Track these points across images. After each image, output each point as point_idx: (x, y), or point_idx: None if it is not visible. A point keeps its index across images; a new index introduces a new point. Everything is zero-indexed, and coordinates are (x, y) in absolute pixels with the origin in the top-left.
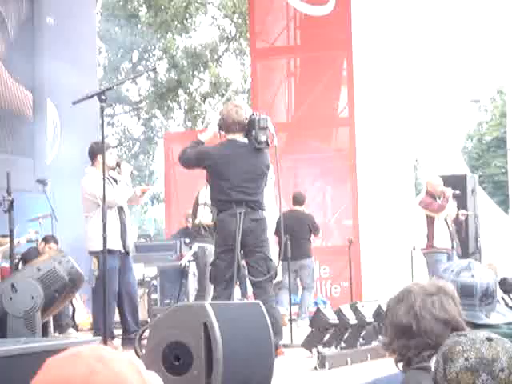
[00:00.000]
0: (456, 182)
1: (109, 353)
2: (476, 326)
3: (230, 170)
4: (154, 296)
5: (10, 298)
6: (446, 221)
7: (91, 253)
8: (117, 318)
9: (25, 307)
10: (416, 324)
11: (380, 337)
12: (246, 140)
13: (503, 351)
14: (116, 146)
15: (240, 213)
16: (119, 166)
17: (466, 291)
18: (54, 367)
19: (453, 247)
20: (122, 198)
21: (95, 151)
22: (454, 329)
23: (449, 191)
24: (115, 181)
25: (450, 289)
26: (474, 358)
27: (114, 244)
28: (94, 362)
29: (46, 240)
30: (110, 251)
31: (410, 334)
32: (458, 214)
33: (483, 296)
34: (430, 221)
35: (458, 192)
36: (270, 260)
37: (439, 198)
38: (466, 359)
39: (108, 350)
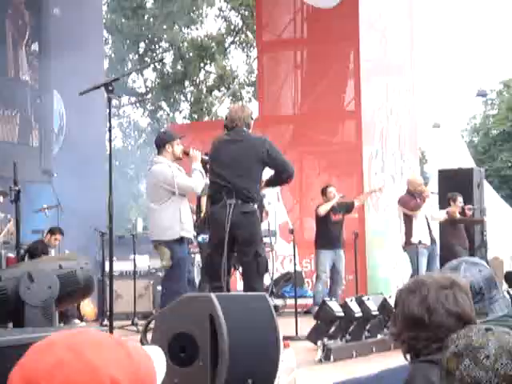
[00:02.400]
0: (462, 176)
1: (86, 339)
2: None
3: (221, 162)
4: (159, 287)
5: (28, 288)
6: (425, 217)
7: (165, 242)
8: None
9: (42, 297)
10: (428, 316)
11: (385, 329)
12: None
13: (494, 340)
14: (182, 137)
15: (230, 204)
16: (188, 155)
17: None
18: (28, 358)
19: (433, 243)
20: (200, 186)
21: (164, 140)
22: (467, 323)
23: (427, 191)
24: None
25: (464, 283)
26: (463, 344)
27: (189, 232)
28: (64, 351)
29: (52, 232)
30: (185, 239)
31: (421, 325)
32: (464, 209)
33: None
34: (408, 219)
35: (435, 192)
36: (260, 256)
37: (418, 197)
38: (456, 346)
39: (88, 336)
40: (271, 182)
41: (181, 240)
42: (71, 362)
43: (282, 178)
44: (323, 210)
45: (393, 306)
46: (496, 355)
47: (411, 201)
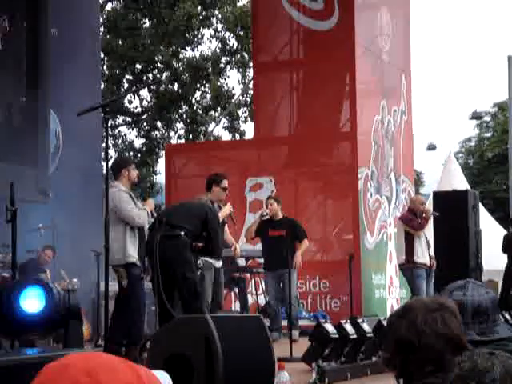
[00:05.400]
0: (457, 198)
1: (101, 363)
2: (476, 344)
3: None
4: (153, 307)
5: None
6: (426, 238)
7: (117, 265)
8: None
9: None
10: (417, 340)
11: (380, 352)
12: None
13: (499, 364)
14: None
15: (158, 230)
16: (135, 185)
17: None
18: (43, 379)
19: (431, 264)
20: (141, 222)
21: (120, 166)
22: (456, 345)
23: (429, 211)
24: (134, 200)
25: (452, 305)
26: (468, 367)
27: (134, 257)
28: (81, 375)
29: (43, 249)
30: (136, 264)
31: (412, 349)
32: None
33: (475, 314)
34: (410, 237)
35: (437, 214)
36: (187, 278)
37: (420, 217)
38: (461, 369)
39: (102, 360)
40: (202, 250)
41: (134, 265)
42: None
43: (211, 247)
44: (248, 235)
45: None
46: (502, 379)
47: (415, 220)
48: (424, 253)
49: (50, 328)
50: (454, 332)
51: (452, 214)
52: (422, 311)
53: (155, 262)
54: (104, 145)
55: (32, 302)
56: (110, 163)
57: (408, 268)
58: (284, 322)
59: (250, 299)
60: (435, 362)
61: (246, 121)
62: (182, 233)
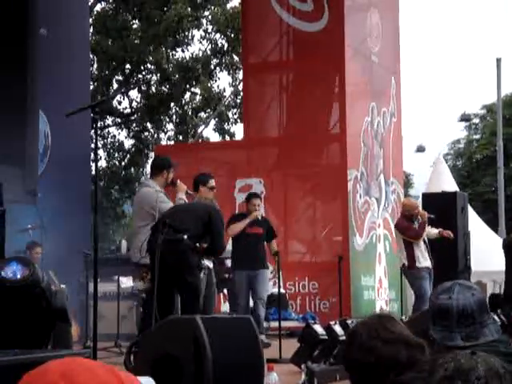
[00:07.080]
0: (446, 200)
1: (79, 367)
2: (462, 350)
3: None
4: None
5: None
6: (424, 240)
7: (141, 265)
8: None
9: None
10: (372, 357)
11: None
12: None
13: (482, 362)
14: (177, 165)
15: (162, 232)
16: (175, 185)
17: (441, 312)
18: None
19: (432, 266)
20: None
21: (165, 166)
22: (407, 344)
23: (425, 215)
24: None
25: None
26: (452, 368)
27: None
28: (57, 378)
29: (29, 247)
30: None
31: (370, 367)
32: None
33: (460, 317)
34: (409, 243)
35: (432, 216)
36: (189, 283)
37: (416, 220)
38: (446, 369)
39: (80, 363)
40: (206, 251)
41: None
42: None
43: (213, 247)
44: (233, 230)
45: None
46: (487, 377)
47: (410, 228)
48: (424, 255)
49: (29, 301)
50: (397, 333)
51: (441, 215)
52: (363, 329)
53: (155, 265)
54: (93, 145)
55: (11, 270)
56: (154, 159)
57: (410, 273)
58: (275, 323)
59: None
60: (395, 368)
61: (235, 122)
62: (185, 236)
